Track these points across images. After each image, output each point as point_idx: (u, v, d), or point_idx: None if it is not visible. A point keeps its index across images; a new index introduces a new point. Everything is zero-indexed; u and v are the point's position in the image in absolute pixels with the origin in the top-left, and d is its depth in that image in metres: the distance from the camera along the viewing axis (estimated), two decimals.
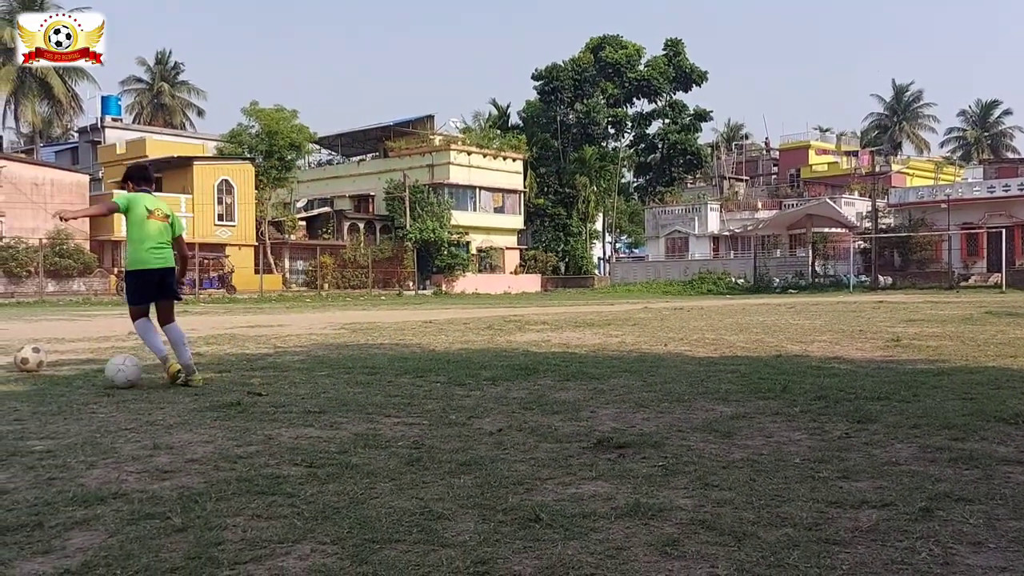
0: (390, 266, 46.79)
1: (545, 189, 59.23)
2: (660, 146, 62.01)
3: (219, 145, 46.83)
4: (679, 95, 61.96)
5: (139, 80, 65.69)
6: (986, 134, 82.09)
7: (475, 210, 52.01)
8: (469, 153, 51.76)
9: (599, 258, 65.90)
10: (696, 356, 8.80)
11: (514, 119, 64.67)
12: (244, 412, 5.30)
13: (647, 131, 62.99)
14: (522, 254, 55.55)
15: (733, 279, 46.34)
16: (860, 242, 46.05)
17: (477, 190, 52.03)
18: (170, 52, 66.81)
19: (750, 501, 3.26)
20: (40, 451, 4.19)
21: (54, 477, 3.68)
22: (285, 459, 4.00)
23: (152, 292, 6.75)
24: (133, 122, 59.92)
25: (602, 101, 60.09)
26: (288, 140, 42.80)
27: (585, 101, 59.65)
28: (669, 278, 49.78)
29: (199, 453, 4.15)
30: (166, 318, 6.81)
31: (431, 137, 53.01)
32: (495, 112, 66.44)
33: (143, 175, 6.95)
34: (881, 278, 42.13)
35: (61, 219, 6.91)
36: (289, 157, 44.04)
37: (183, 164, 41.50)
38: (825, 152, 69.65)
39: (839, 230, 46.74)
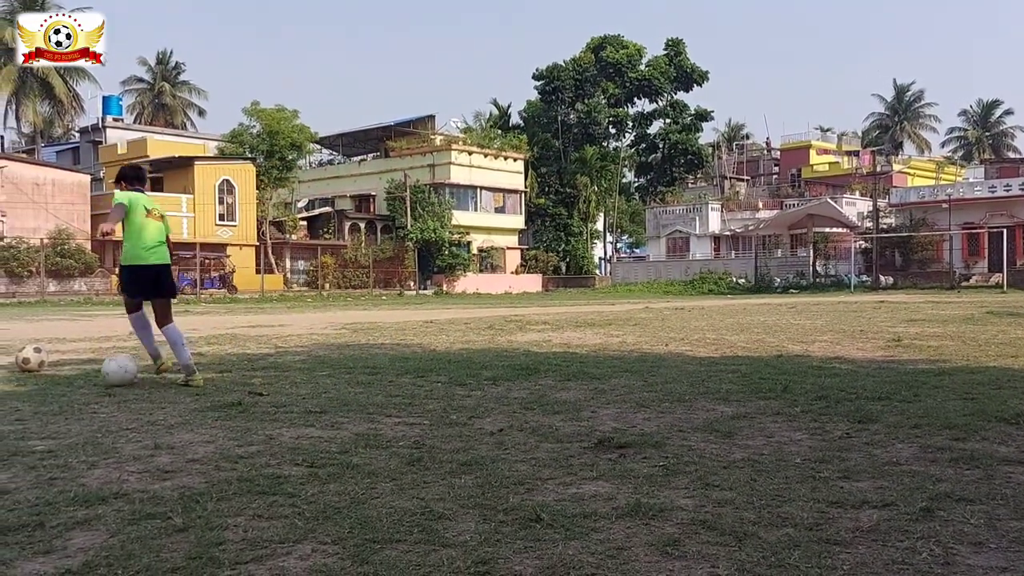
0: (391, 266, 46.79)
1: (546, 189, 59.24)
2: (661, 146, 62.02)
3: (220, 145, 46.83)
4: (680, 95, 62.01)
5: (140, 80, 65.73)
6: (987, 134, 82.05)
7: (476, 210, 52.02)
8: (470, 153, 51.74)
9: (600, 258, 65.89)
10: (697, 356, 8.80)
11: (515, 119, 64.68)
12: (245, 412, 5.30)
13: (648, 131, 63.00)
14: (523, 254, 55.54)
15: (734, 279, 46.30)
16: (861, 242, 46.04)
17: (478, 190, 52.03)
18: (171, 52, 66.93)
19: (751, 501, 3.26)
20: (41, 451, 4.19)
21: (55, 477, 3.68)
22: (286, 459, 4.00)
23: (147, 288, 6.79)
24: (134, 122, 59.90)
25: (603, 101, 60.09)
26: (289, 140, 42.84)
27: (586, 101, 59.66)
28: (670, 278, 49.75)
29: (200, 453, 4.15)
30: (163, 319, 6.80)
31: (432, 137, 53.03)
32: (496, 112, 66.48)
33: (137, 175, 7.07)
34: (882, 278, 42.12)
35: (104, 234, 6.57)
36: (290, 157, 44.08)
37: (184, 164, 41.53)
38: (826, 152, 69.65)
39: (840, 230, 46.72)
